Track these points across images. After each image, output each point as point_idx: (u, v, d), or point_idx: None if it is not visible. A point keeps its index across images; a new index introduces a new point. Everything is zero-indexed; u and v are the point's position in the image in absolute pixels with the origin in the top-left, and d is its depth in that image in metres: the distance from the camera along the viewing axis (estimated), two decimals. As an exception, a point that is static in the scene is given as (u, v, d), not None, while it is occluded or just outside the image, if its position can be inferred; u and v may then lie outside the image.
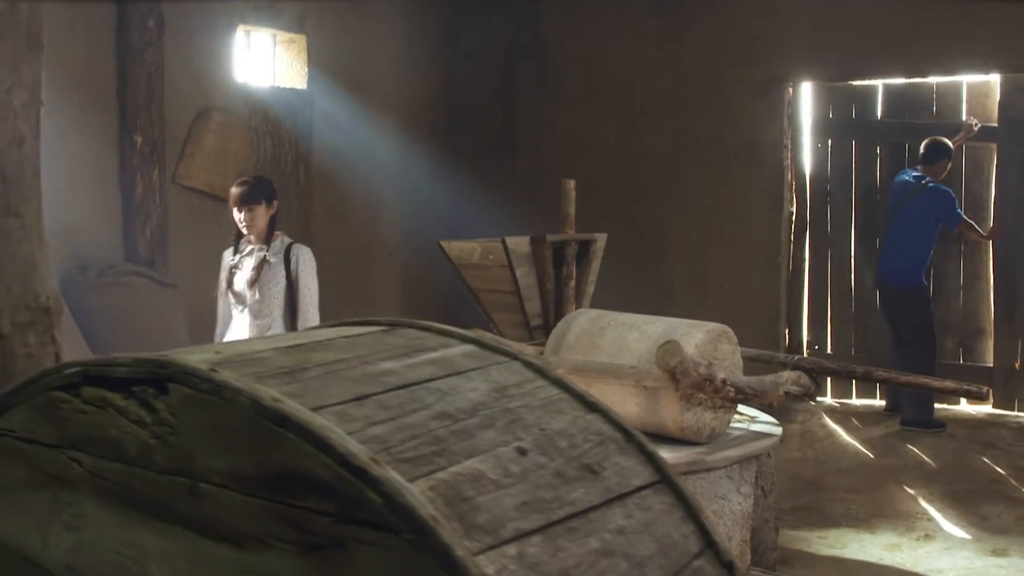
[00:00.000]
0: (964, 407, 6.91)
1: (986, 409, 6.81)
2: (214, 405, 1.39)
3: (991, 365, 6.84)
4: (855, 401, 7.21)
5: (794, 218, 7.24)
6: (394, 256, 7.46)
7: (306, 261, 4.52)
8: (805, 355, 6.93)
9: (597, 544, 1.42)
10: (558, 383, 1.72)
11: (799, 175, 7.23)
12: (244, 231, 4.49)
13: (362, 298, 7.23)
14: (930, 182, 6.39)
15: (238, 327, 4.52)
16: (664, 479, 1.63)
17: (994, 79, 6.73)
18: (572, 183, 5.16)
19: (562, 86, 7.60)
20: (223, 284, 4.58)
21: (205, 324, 4.89)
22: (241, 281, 4.49)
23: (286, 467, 1.32)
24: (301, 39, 6.62)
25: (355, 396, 1.44)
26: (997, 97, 6.74)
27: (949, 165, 6.45)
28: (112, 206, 5.46)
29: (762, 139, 7.08)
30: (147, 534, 1.46)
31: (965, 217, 6.48)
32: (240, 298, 4.49)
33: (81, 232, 5.26)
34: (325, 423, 1.31)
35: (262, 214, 4.46)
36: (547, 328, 5.19)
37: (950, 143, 6.44)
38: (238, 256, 4.53)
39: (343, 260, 7.02)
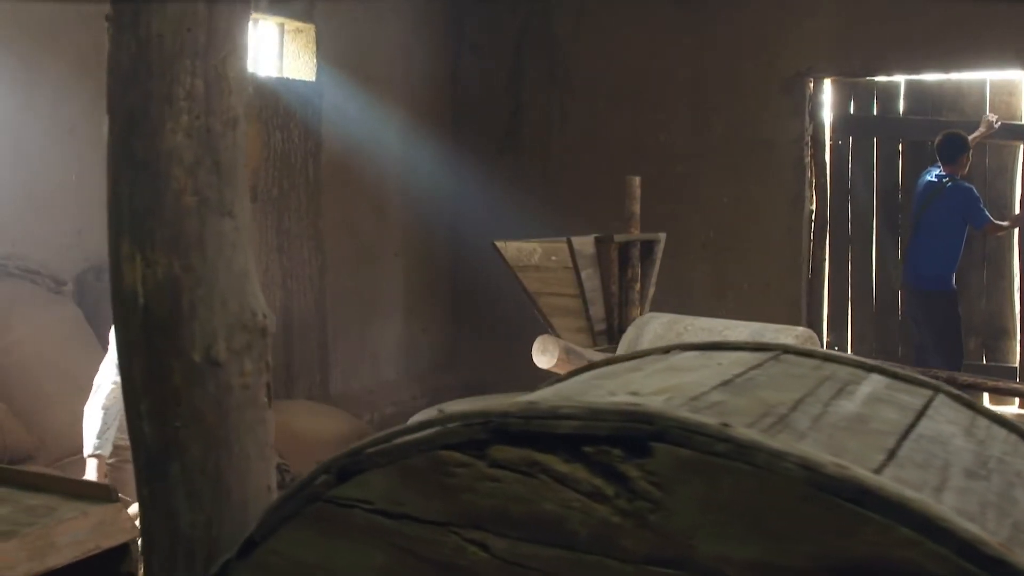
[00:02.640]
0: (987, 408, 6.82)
1: (1011, 410, 6.72)
2: (731, 472, 1.03)
3: (1015, 366, 6.77)
4: (875, 403, 7.07)
5: (815, 216, 7.05)
6: (399, 257, 7.07)
7: None
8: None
9: None
10: (996, 419, 1.40)
11: (820, 173, 7.03)
12: None
13: (368, 300, 6.83)
14: (954, 181, 6.24)
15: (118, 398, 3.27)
16: None
17: (1019, 76, 6.64)
18: (637, 179, 4.85)
19: (573, 80, 7.27)
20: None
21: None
22: None
23: (863, 558, 0.97)
24: (309, 28, 6.19)
25: (885, 454, 1.10)
26: (1023, 95, 6.65)
27: (969, 158, 6.30)
28: (127, 206, 4.95)
29: (782, 136, 6.86)
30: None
31: (991, 218, 6.35)
32: None
33: (94, 233, 4.75)
34: (925, 498, 0.97)
35: None
36: (611, 333, 4.89)
37: (964, 134, 6.27)
38: None
39: (350, 260, 6.61)
